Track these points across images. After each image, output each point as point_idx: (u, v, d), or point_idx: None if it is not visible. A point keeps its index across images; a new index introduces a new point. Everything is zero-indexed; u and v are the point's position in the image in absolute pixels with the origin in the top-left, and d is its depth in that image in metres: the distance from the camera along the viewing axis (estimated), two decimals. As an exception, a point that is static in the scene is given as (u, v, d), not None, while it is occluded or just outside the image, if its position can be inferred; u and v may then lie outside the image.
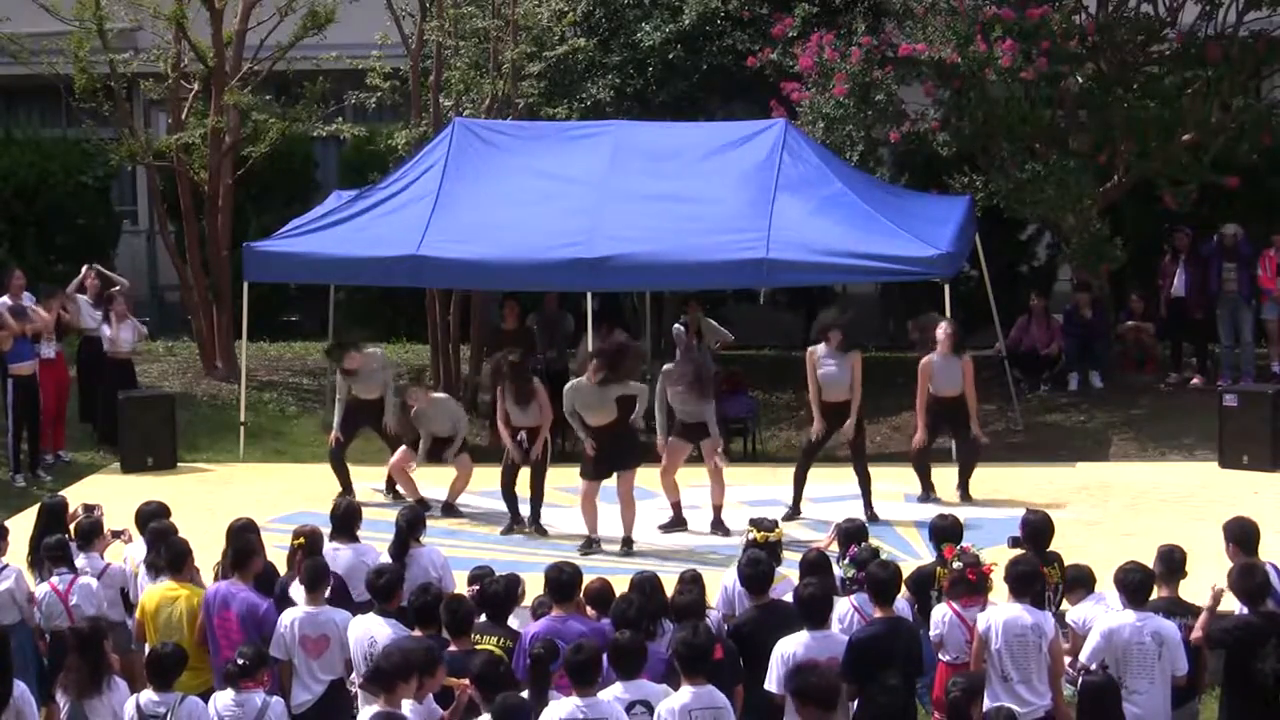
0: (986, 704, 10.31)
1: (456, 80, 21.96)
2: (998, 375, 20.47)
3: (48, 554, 12.12)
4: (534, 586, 11.91)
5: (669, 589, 11.14)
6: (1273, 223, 20.80)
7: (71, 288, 19.97)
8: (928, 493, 16.72)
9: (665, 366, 16.00)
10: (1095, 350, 20.79)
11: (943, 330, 16.47)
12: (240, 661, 10.18)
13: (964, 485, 16.69)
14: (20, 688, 9.97)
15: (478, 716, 9.56)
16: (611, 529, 15.62)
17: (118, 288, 20.17)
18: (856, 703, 10.22)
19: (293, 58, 22.55)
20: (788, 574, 11.57)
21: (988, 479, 17.13)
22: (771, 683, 10.08)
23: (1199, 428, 18.71)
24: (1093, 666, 10.01)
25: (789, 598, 10.87)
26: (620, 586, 11.12)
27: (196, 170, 22.09)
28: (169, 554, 11.60)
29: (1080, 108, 20.66)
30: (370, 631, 10.80)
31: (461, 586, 11.89)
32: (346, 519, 12.46)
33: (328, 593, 11.19)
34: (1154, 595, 10.54)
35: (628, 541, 15.45)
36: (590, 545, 15.35)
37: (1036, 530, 11.61)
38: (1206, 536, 13.19)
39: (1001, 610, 10.45)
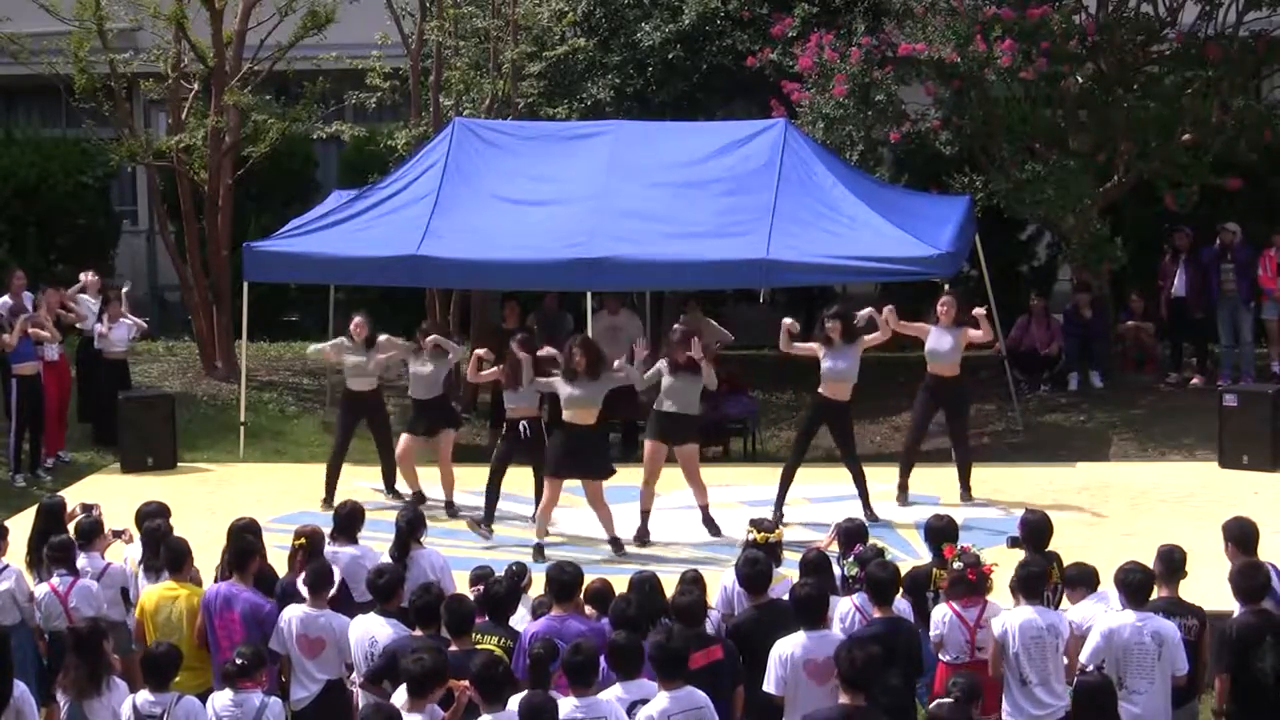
0: (1005, 708, 10.36)
1: (456, 80, 21.96)
2: (998, 375, 20.48)
3: (51, 554, 12.12)
4: (534, 587, 11.94)
5: (669, 589, 11.16)
6: (1273, 223, 20.81)
7: (72, 291, 19.99)
8: (903, 493, 16.66)
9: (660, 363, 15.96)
10: (1095, 350, 20.79)
11: (942, 303, 16.43)
12: (239, 661, 10.18)
13: (965, 487, 16.63)
14: (20, 688, 9.97)
15: (478, 717, 9.56)
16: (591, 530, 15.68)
17: (119, 288, 20.23)
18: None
19: (293, 58, 22.56)
20: (788, 574, 11.57)
21: (988, 479, 17.13)
22: (770, 683, 10.08)
23: (1199, 428, 18.71)
24: (1089, 667, 10.02)
25: (788, 598, 10.88)
26: (620, 586, 11.12)
27: (196, 170, 22.10)
28: (168, 554, 11.61)
29: (1080, 108, 20.66)
30: (371, 632, 10.81)
31: (462, 587, 11.89)
32: (348, 520, 12.47)
33: (330, 594, 11.21)
34: (1154, 595, 10.54)
35: (615, 541, 15.41)
36: (541, 552, 15.06)
37: (1036, 530, 11.61)
38: (1206, 536, 13.19)
39: (1017, 613, 10.49)
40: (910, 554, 14.24)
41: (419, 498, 16.70)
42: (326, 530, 12.34)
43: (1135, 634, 10.23)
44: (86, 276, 20.32)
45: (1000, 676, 10.48)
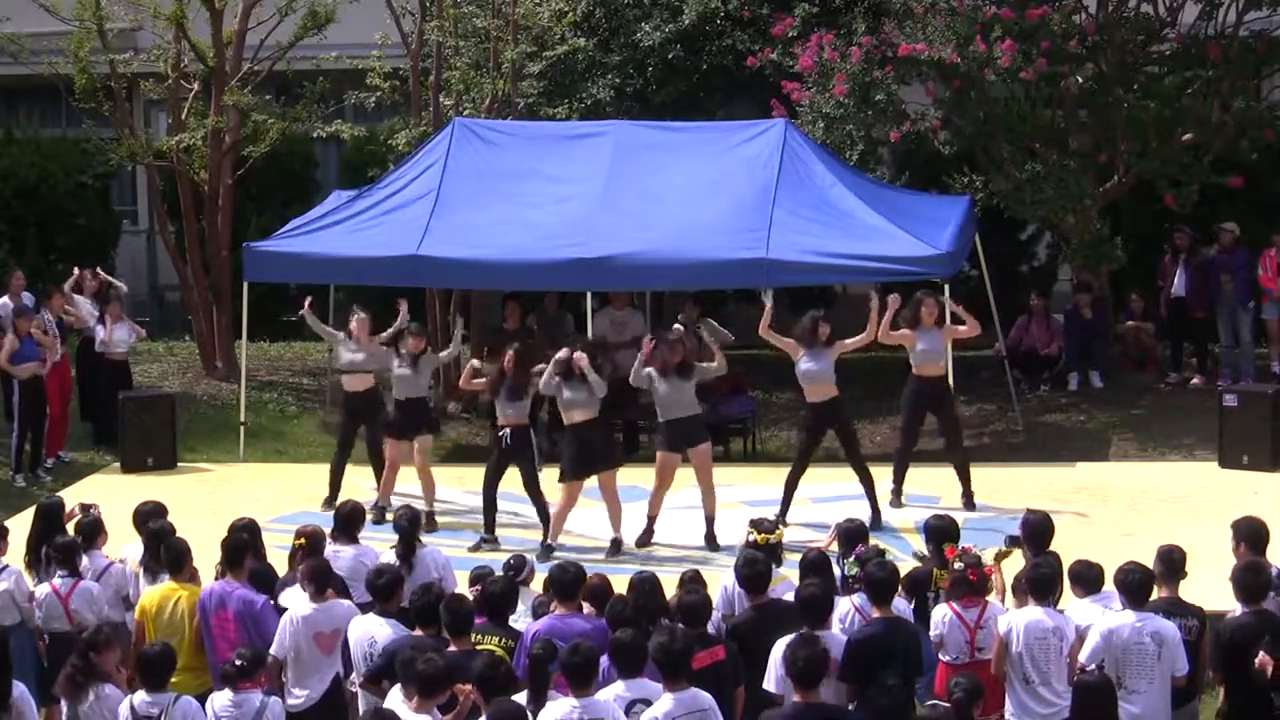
0: (1008, 706, 10.36)
1: (456, 80, 21.95)
2: (998, 375, 20.48)
3: (54, 555, 12.11)
4: (535, 581, 11.95)
5: (669, 589, 11.16)
6: (1273, 223, 20.80)
7: (68, 286, 19.98)
8: (897, 496, 16.63)
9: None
10: (1095, 350, 20.79)
11: (926, 304, 16.38)
12: (238, 662, 10.17)
13: (968, 494, 16.51)
14: (19, 689, 9.96)
15: (478, 718, 9.57)
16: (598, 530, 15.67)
17: (115, 290, 20.24)
18: (855, 703, 10.23)
19: (293, 58, 22.56)
20: (788, 574, 11.57)
21: (988, 479, 17.13)
22: (771, 682, 10.08)
23: (1199, 428, 18.71)
24: (1090, 667, 10.02)
25: (788, 597, 10.87)
26: (620, 586, 11.12)
27: (196, 170, 22.09)
28: (168, 554, 11.60)
29: (1080, 108, 20.66)
30: (370, 632, 10.81)
31: (463, 586, 11.89)
32: (348, 520, 12.47)
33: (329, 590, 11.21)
34: (1154, 596, 10.54)
35: (615, 542, 15.43)
36: (550, 552, 15.06)
37: (1036, 530, 11.60)
38: (1206, 536, 13.22)
39: (1023, 613, 10.51)
40: (911, 555, 14.23)
41: (379, 511, 16.11)
42: (327, 530, 12.34)
43: (1135, 634, 10.23)
44: (81, 274, 20.31)
45: (1003, 676, 10.48)
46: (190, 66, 22.32)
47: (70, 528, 12.72)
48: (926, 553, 12.17)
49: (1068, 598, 11.04)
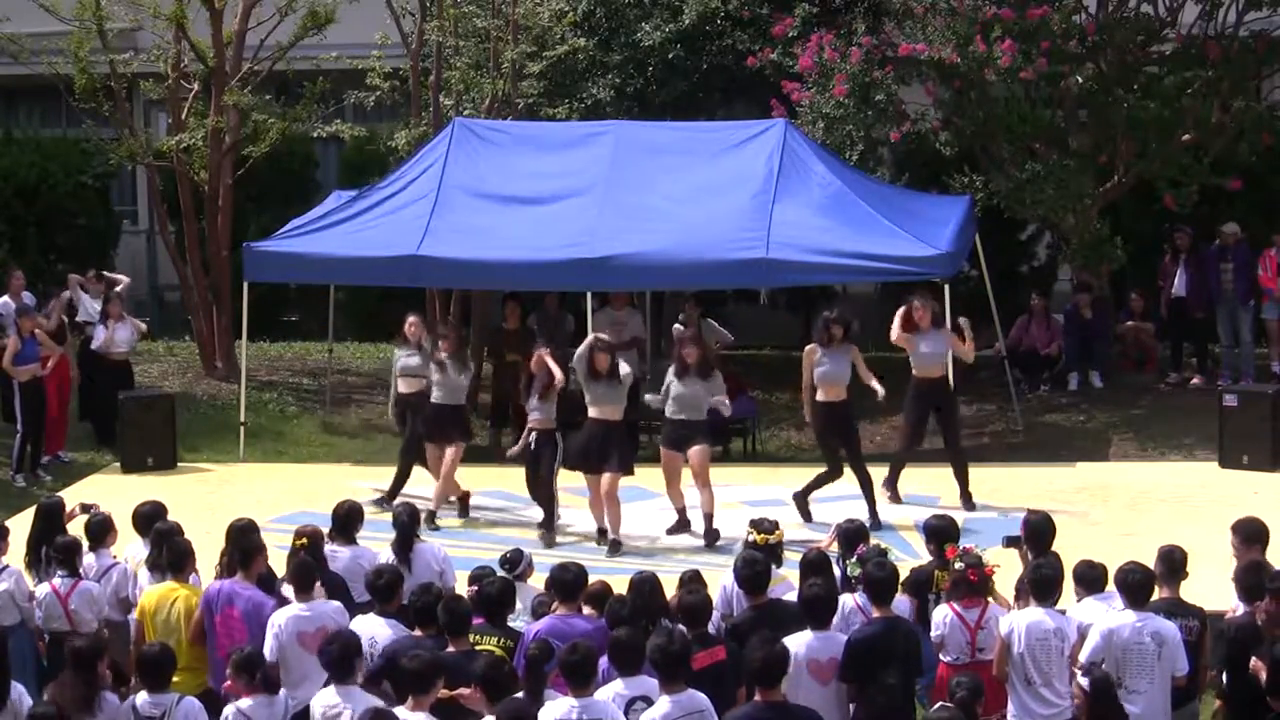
0: (1011, 709, 10.36)
1: (456, 80, 21.95)
2: (998, 375, 20.48)
3: (55, 555, 12.11)
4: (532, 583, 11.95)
5: (669, 589, 11.16)
6: (1273, 223, 20.80)
7: (66, 294, 20.00)
8: (895, 494, 16.71)
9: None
10: (1095, 350, 20.79)
11: (918, 307, 16.41)
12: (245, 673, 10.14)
13: (966, 495, 16.48)
14: (18, 690, 9.94)
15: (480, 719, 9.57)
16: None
17: (118, 288, 20.24)
18: (855, 703, 10.23)
19: (293, 58, 22.55)
20: (787, 574, 11.57)
21: (988, 479, 17.13)
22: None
23: (1199, 428, 18.70)
24: (1092, 664, 10.03)
25: (788, 598, 10.87)
26: (620, 587, 11.12)
27: (196, 170, 22.09)
28: (170, 554, 11.60)
29: (1080, 108, 20.66)
30: (370, 632, 10.80)
31: (462, 585, 11.89)
32: (346, 520, 12.46)
33: (319, 589, 11.19)
34: (1155, 596, 10.54)
35: (615, 544, 15.48)
36: (608, 541, 15.52)
37: (1037, 530, 11.60)
38: (1206, 537, 13.23)
39: (1025, 614, 10.51)
40: (911, 554, 14.23)
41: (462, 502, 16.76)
42: (325, 530, 12.34)
43: (1135, 634, 10.23)
44: (89, 280, 20.35)
45: (1005, 676, 10.48)
46: (190, 66, 22.31)
47: (73, 528, 12.72)
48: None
49: (1068, 598, 11.04)
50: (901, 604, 10.91)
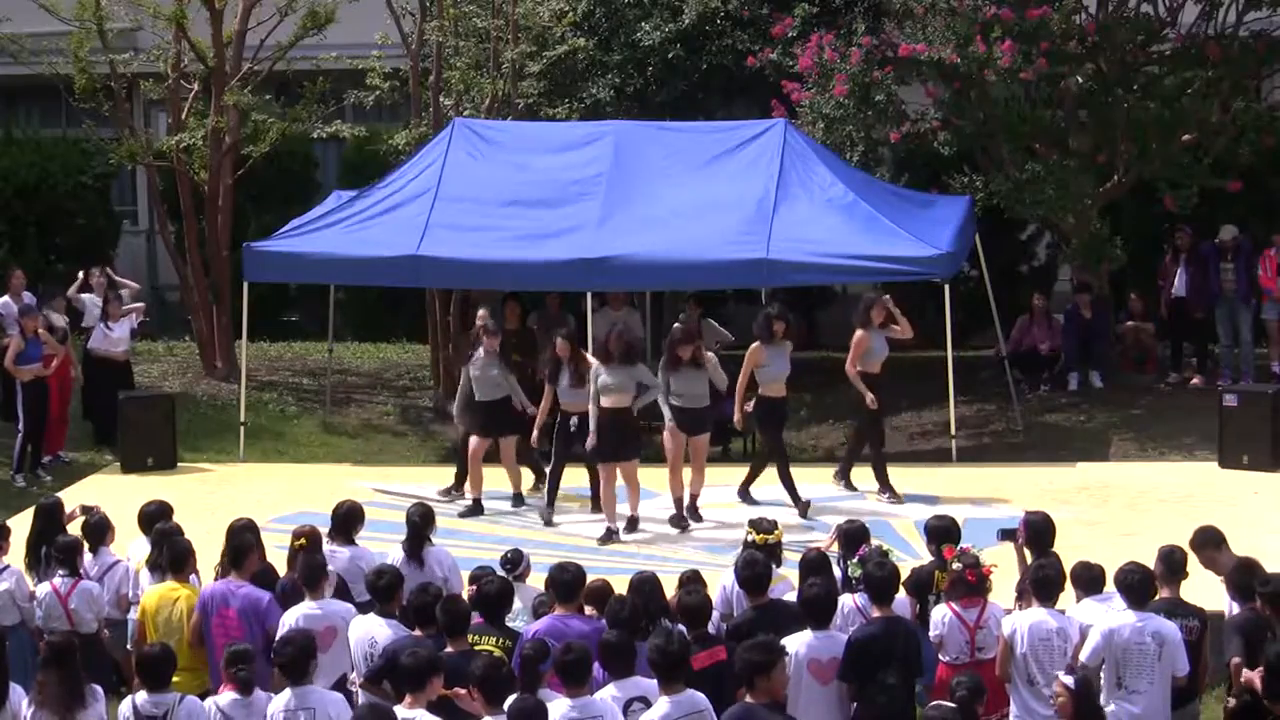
0: (1012, 707, 10.36)
1: (456, 80, 21.95)
2: (998, 375, 20.48)
3: (55, 555, 12.12)
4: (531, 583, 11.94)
5: (669, 589, 11.16)
6: (1273, 223, 20.80)
7: (72, 291, 20.00)
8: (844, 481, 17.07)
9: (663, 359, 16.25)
10: (1095, 350, 20.79)
11: (879, 306, 16.72)
12: (242, 674, 10.13)
13: (886, 488, 16.76)
14: (17, 691, 9.92)
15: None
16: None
17: (123, 291, 20.28)
18: (855, 702, 10.23)
19: (293, 58, 22.54)
20: (787, 574, 11.57)
21: (988, 479, 17.14)
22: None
23: (1199, 428, 18.69)
24: (1089, 665, 10.04)
25: (789, 597, 10.87)
26: (620, 587, 11.12)
27: (196, 170, 22.09)
28: (170, 554, 11.61)
29: (1080, 108, 20.65)
30: (371, 632, 10.81)
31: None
32: (345, 520, 12.46)
33: (329, 589, 11.20)
34: (1155, 596, 10.53)
35: (633, 520, 15.81)
36: (609, 536, 15.74)
37: (1037, 530, 11.60)
38: (1206, 537, 13.17)
39: (1027, 614, 10.51)
40: (911, 554, 14.22)
41: (516, 498, 17.06)
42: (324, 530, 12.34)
43: (1135, 634, 10.22)
44: (93, 276, 20.37)
45: (1007, 676, 10.48)
46: (190, 66, 22.30)
47: (73, 529, 12.72)
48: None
49: (1068, 598, 11.04)
50: (902, 604, 10.91)
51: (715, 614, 11.14)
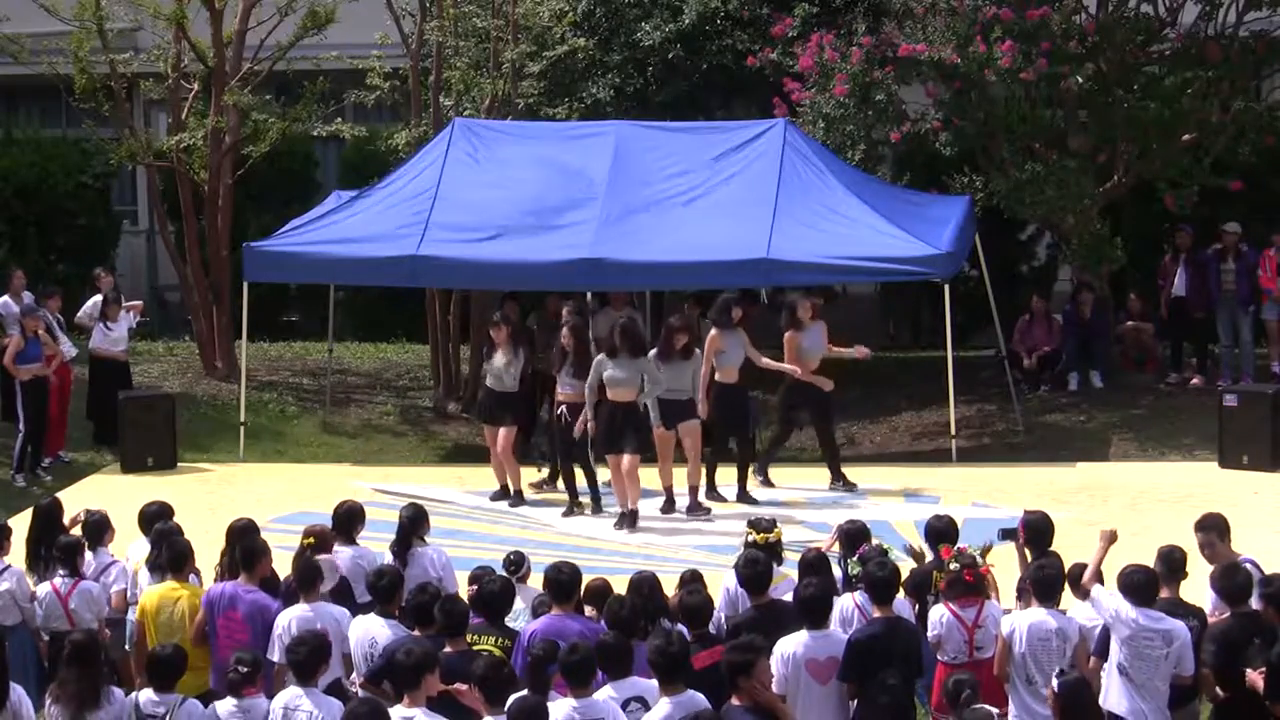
0: (1011, 707, 10.35)
1: (456, 80, 21.95)
2: (998, 375, 20.48)
3: (56, 555, 12.11)
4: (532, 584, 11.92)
5: (669, 589, 11.15)
6: (1273, 223, 20.79)
7: (80, 316, 20.04)
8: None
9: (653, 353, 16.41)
10: (1095, 350, 20.78)
11: (805, 305, 17.06)
12: (242, 670, 10.13)
13: (838, 475, 17.10)
14: (17, 691, 9.90)
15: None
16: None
17: (128, 303, 20.33)
18: (856, 702, 10.23)
19: (293, 58, 22.54)
20: (789, 574, 11.57)
21: (988, 479, 17.13)
22: (774, 683, 10.06)
23: (1199, 428, 18.70)
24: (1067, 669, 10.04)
25: (790, 597, 10.86)
26: (620, 586, 11.12)
27: (196, 170, 22.08)
28: (170, 554, 11.59)
29: (1080, 108, 20.65)
30: (371, 632, 10.80)
31: (463, 587, 11.87)
32: (346, 520, 12.44)
33: (325, 590, 11.19)
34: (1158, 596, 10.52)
35: (633, 514, 15.89)
36: (628, 519, 15.95)
37: (1037, 530, 11.58)
38: (1206, 537, 13.17)
39: (1026, 614, 10.49)
40: (903, 548, 14.22)
41: (517, 496, 17.15)
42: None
43: (1140, 633, 10.20)
44: (101, 278, 20.40)
45: (1006, 676, 10.47)
46: (190, 66, 22.30)
47: (78, 529, 12.71)
48: (915, 548, 12.27)
49: (1068, 599, 11.03)
50: (902, 604, 10.90)
51: (720, 615, 11.14)
